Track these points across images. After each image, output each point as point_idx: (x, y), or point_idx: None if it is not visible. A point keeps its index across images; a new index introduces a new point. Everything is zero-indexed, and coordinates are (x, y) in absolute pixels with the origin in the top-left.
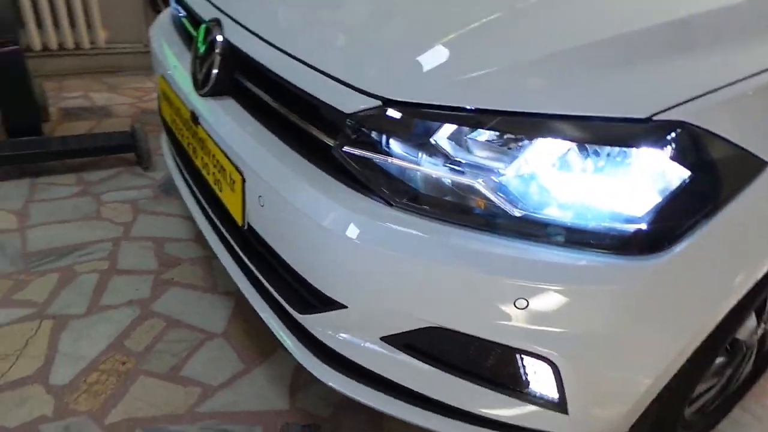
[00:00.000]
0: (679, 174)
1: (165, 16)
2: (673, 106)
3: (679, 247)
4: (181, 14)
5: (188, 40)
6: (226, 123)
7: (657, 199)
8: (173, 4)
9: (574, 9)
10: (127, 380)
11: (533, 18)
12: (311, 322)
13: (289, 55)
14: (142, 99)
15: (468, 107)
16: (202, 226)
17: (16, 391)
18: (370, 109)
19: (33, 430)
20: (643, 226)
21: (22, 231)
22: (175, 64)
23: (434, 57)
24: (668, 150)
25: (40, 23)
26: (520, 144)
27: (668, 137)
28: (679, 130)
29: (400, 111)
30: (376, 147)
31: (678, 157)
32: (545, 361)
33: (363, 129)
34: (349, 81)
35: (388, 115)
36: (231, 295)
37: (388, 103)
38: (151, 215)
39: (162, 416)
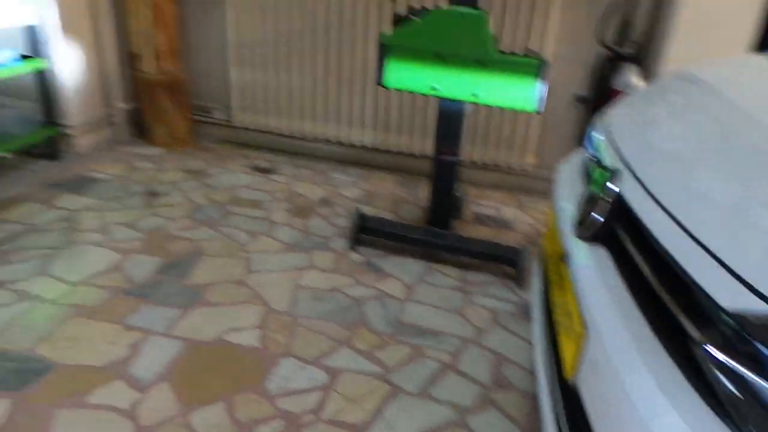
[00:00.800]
0: None
1: (577, 157)
2: None
3: None
4: (590, 158)
5: (587, 182)
6: (589, 271)
7: None
8: (589, 147)
9: None
10: None
11: None
12: None
13: (678, 223)
14: (541, 222)
15: None
16: (535, 359)
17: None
18: (761, 313)
19: None
20: None
21: (404, 302)
22: (568, 201)
23: None
24: None
25: (485, 143)
26: None
27: None
28: None
29: None
30: (754, 362)
31: None
32: None
33: (743, 334)
34: (741, 273)
35: None
36: None
37: None
38: (505, 330)
39: None
